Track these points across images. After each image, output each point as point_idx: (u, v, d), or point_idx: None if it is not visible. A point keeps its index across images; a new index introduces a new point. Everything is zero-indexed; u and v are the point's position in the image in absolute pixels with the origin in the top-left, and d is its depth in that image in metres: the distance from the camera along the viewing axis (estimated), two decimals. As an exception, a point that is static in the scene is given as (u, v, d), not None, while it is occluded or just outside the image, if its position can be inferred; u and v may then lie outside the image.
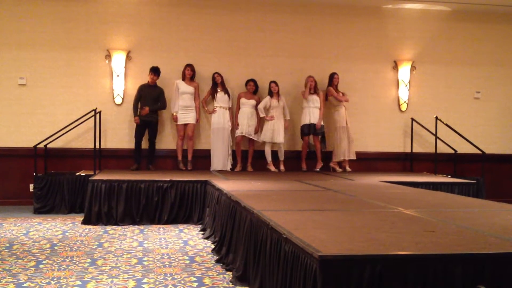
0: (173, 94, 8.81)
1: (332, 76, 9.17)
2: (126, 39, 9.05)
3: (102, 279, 4.24)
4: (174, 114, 8.80)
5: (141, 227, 6.75)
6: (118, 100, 8.98)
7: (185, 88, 8.77)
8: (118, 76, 8.96)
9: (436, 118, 9.34)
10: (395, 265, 2.53)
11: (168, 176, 7.32)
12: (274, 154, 9.02)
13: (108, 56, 8.96)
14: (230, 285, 4.13)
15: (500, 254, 2.68)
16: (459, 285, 2.54)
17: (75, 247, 5.42)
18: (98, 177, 7.19)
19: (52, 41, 8.84)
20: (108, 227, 6.65)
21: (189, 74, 8.81)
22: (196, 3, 9.25)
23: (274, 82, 8.95)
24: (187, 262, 4.87)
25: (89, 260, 4.85)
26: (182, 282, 4.18)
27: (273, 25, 9.41)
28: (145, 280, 4.23)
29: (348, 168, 9.13)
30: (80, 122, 8.47)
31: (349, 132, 9.12)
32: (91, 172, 8.02)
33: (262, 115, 8.92)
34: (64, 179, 7.83)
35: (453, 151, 9.46)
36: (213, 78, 8.91)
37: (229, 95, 8.94)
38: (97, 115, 8.40)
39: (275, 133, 8.88)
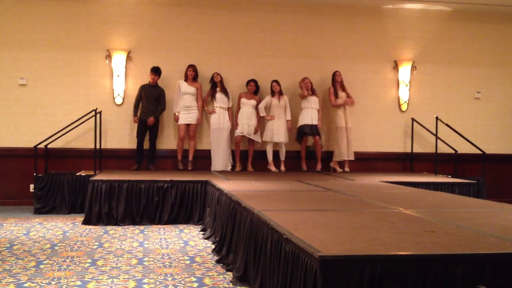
0: (175, 94, 8.82)
1: (333, 74, 9.18)
2: (127, 39, 9.05)
3: (102, 279, 4.24)
4: (176, 114, 8.80)
5: (142, 227, 6.75)
6: (119, 100, 8.99)
7: (187, 88, 8.78)
8: (118, 76, 8.96)
9: (437, 118, 9.34)
10: (395, 265, 2.53)
11: (169, 176, 7.32)
12: (276, 154, 9.03)
13: (109, 56, 8.96)
14: (231, 285, 4.13)
15: (500, 254, 2.68)
16: (459, 285, 2.54)
17: (76, 247, 5.42)
18: (98, 177, 7.19)
19: (52, 41, 8.84)
20: (109, 227, 6.65)
21: (191, 74, 8.81)
22: (196, 3, 9.25)
23: (276, 81, 8.96)
24: (188, 262, 4.87)
25: (89, 261, 4.85)
26: (183, 282, 4.19)
27: (273, 25, 9.42)
28: (146, 280, 4.23)
29: (346, 169, 9.13)
30: (81, 122, 8.47)
31: (349, 132, 9.12)
32: (92, 172, 8.02)
33: (262, 114, 8.92)
34: (65, 179, 7.83)
35: (453, 151, 9.47)
36: (212, 78, 8.91)
37: (228, 96, 8.94)
38: (98, 115, 8.40)
39: (275, 132, 8.88)
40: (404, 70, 9.75)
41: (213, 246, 5.50)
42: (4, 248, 5.34)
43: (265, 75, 9.24)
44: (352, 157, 9.16)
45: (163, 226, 6.85)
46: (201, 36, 9.22)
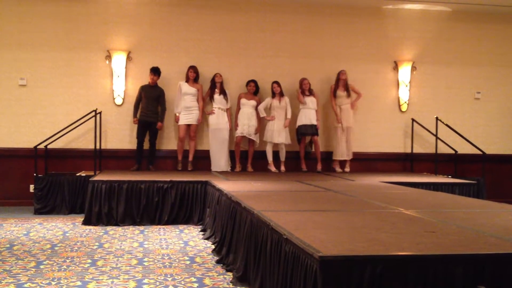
0: (176, 95, 8.82)
1: (338, 73, 9.16)
2: (127, 40, 9.05)
3: (102, 279, 4.24)
4: (177, 114, 8.80)
5: (142, 227, 6.75)
6: (119, 101, 8.99)
7: (188, 89, 8.78)
8: (118, 76, 8.96)
9: (437, 118, 9.34)
10: (396, 265, 2.53)
11: (169, 177, 7.33)
12: (276, 154, 9.02)
13: (109, 57, 8.96)
14: (231, 286, 4.13)
15: (501, 255, 2.68)
16: (459, 286, 2.55)
17: (76, 248, 5.42)
18: (98, 177, 7.19)
19: (53, 42, 8.84)
20: (109, 228, 6.65)
21: (192, 76, 8.81)
22: (196, 3, 9.25)
23: (276, 82, 8.95)
24: (188, 262, 4.87)
25: (89, 261, 4.85)
26: (183, 282, 4.18)
27: (274, 25, 9.42)
28: (146, 280, 4.23)
29: (346, 169, 9.13)
30: (81, 122, 8.47)
31: (348, 132, 9.12)
32: (92, 173, 8.02)
33: (262, 115, 8.92)
34: (65, 180, 7.83)
35: (453, 152, 9.46)
36: (213, 79, 8.90)
37: (227, 97, 8.93)
38: (98, 116, 8.39)
39: (275, 133, 8.88)
40: (404, 71, 9.75)
41: (213, 247, 5.50)
42: (4, 249, 5.34)
43: (265, 75, 9.24)
44: (350, 157, 9.15)
45: (163, 226, 6.85)
46: (201, 36, 9.21)
